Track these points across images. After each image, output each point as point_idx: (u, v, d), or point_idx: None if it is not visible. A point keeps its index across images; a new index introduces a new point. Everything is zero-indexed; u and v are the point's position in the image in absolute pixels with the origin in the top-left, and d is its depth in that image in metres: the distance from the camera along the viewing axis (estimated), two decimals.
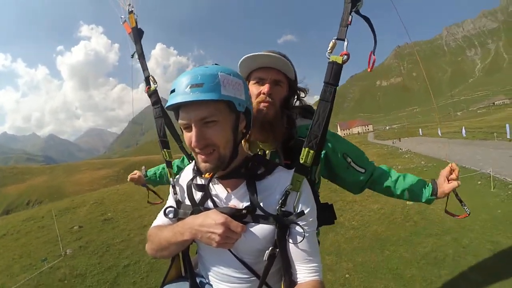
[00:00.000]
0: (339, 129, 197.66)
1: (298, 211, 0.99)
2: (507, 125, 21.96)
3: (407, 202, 8.66)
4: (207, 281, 1.16)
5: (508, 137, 21.94)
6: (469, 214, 1.39)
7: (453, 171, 1.34)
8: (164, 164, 1.85)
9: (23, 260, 8.91)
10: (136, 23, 1.51)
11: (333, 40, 1.07)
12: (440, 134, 33.21)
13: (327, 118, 1.08)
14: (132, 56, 1.53)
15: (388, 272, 4.87)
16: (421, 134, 47.86)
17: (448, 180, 1.34)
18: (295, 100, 1.53)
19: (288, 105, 1.38)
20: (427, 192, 1.42)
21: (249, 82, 1.36)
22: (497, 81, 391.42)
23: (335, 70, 1.06)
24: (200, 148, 0.92)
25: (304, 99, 1.54)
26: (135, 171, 2.10)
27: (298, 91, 1.49)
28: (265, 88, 1.26)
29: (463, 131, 30.90)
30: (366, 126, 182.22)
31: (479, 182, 9.92)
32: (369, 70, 1.16)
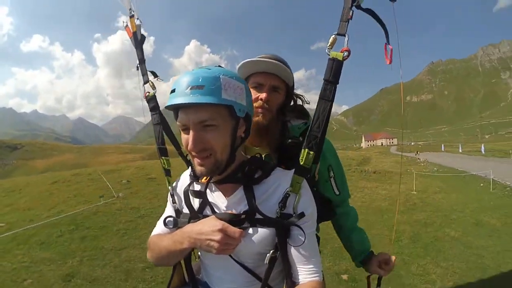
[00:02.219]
0: (363, 139, 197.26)
1: (298, 213, 0.98)
2: None
3: (412, 192, 9.92)
4: (210, 286, 1.16)
5: None
6: None
7: (390, 261, 1.33)
8: None
9: (78, 198, 10.75)
10: (138, 28, 1.48)
11: (333, 36, 1.04)
12: (460, 151, 33.44)
13: (327, 118, 1.05)
14: (138, 68, 1.52)
15: (383, 226, 6.23)
16: (443, 149, 48.03)
17: (380, 266, 1.35)
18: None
19: (284, 111, 1.35)
20: (360, 257, 1.42)
21: None
22: None
23: (335, 67, 1.03)
24: (196, 152, 0.91)
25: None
26: None
27: (295, 97, 1.45)
28: (263, 94, 1.24)
29: (483, 148, 31.33)
30: (391, 139, 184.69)
31: (481, 184, 11.03)
32: (388, 62, 1.12)
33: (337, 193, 1.41)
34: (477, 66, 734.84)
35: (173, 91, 0.90)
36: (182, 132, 0.94)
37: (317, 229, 1.43)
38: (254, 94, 1.25)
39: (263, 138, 1.28)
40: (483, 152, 30.70)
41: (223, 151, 0.93)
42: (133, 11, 1.49)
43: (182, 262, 1.21)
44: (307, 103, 1.50)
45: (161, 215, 1.20)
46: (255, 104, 1.22)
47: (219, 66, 1.00)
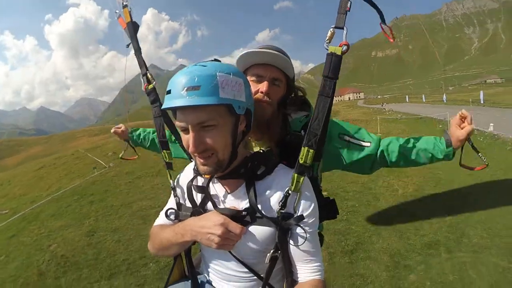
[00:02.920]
0: None
1: (299, 212, 0.97)
2: (481, 92, 24.59)
3: (377, 134, 11.00)
4: (209, 280, 1.15)
5: (482, 102, 24.74)
6: (487, 165, 1.22)
7: (464, 118, 1.15)
8: (152, 129, 1.89)
9: (70, 175, 11.06)
10: (131, 17, 1.42)
11: (331, 29, 0.98)
12: (424, 101, 35.69)
13: (327, 115, 1.01)
14: (128, 46, 1.45)
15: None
16: (407, 100, 50.72)
17: (461, 128, 1.16)
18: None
19: (285, 103, 1.32)
20: (441, 145, 1.21)
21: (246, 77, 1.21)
22: (492, 61, 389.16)
23: (334, 63, 0.98)
24: (198, 153, 0.89)
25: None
26: (120, 124, 2.06)
27: (296, 89, 1.40)
28: (263, 87, 1.20)
29: (444, 97, 33.80)
30: (358, 94, 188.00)
31: (440, 126, 12.59)
32: (392, 40, 1.11)
33: (368, 144, 1.31)
34: (441, 21, 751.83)
35: (168, 92, 0.88)
36: (182, 133, 0.93)
37: (321, 228, 1.41)
38: (253, 86, 1.22)
39: (264, 132, 1.24)
40: (445, 101, 33.07)
41: (225, 150, 0.91)
42: (127, 1, 1.42)
43: (183, 254, 1.21)
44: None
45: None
46: (255, 97, 1.18)
47: (215, 59, 0.97)
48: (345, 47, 0.98)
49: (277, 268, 1.02)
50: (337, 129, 1.35)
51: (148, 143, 1.98)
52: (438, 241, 3.63)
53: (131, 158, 2.13)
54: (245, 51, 1.23)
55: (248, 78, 1.23)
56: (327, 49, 1.00)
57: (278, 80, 1.24)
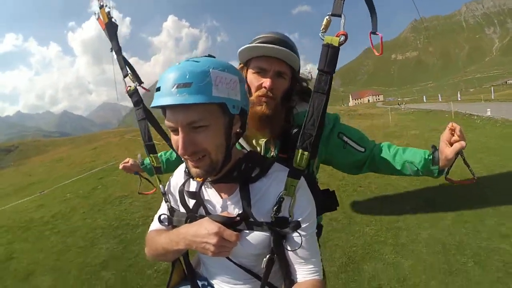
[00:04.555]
0: (350, 98, 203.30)
1: (294, 217, 0.93)
2: (491, 88, 25.56)
3: (389, 123, 12.58)
4: (209, 282, 1.14)
5: (493, 98, 26.12)
6: (475, 180, 1.12)
7: (454, 131, 1.07)
8: (163, 152, 1.79)
9: (127, 152, 13.07)
10: (109, 17, 1.35)
11: (327, 17, 0.90)
12: (440, 100, 36.59)
13: (323, 113, 0.93)
14: (111, 50, 1.37)
15: None
16: (425, 101, 51.52)
17: (451, 144, 1.07)
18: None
19: (290, 96, 1.23)
20: (428, 162, 1.17)
21: (247, 69, 1.22)
22: None
23: (331, 55, 0.90)
24: (188, 155, 0.83)
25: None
26: (127, 159, 1.93)
27: (300, 81, 1.31)
28: (267, 82, 1.13)
29: (458, 95, 34.96)
30: (377, 96, 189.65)
31: (446, 115, 14.15)
32: (380, 53, 1.01)
33: (362, 150, 1.30)
34: (461, 22, 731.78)
35: (158, 89, 0.81)
36: (171, 133, 0.86)
37: (320, 219, 1.40)
38: (256, 79, 1.16)
39: (266, 127, 1.18)
40: (459, 99, 34.00)
41: (217, 152, 0.86)
42: (103, 1, 1.39)
43: (181, 258, 1.17)
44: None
45: None
46: (258, 92, 1.14)
47: (209, 55, 0.90)
48: (342, 37, 0.89)
49: (276, 268, 0.99)
50: (338, 128, 1.32)
51: (165, 167, 1.73)
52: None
53: (149, 193, 2.03)
54: (248, 45, 1.17)
55: (250, 70, 1.19)
56: (323, 39, 0.91)
57: (283, 73, 1.18)
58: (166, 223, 1.07)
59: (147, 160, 1.83)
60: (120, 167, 1.89)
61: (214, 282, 1.12)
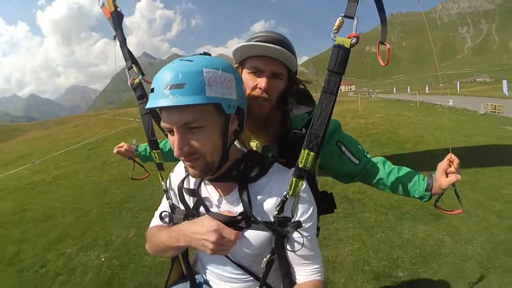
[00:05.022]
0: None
1: (297, 217, 0.93)
2: (458, 83, 27.94)
3: (358, 108, 13.74)
4: (207, 280, 1.15)
5: (458, 92, 28.15)
6: (463, 211, 1.18)
7: (452, 163, 1.11)
8: (159, 140, 1.67)
9: (109, 128, 13.42)
10: (115, 6, 1.29)
11: (340, 18, 0.89)
12: (409, 92, 39.15)
13: (330, 114, 0.93)
14: (114, 38, 1.32)
15: None
16: (394, 92, 54.80)
17: (447, 174, 1.11)
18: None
19: (286, 99, 1.20)
20: (421, 186, 1.19)
21: (243, 69, 1.18)
22: (484, 61, 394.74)
23: (341, 56, 0.89)
24: (184, 157, 0.83)
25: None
26: (122, 143, 1.91)
27: (297, 83, 1.27)
28: (262, 82, 1.09)
29: (427, 88, 37.63)
30: (349, 86, 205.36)
31: (412, 104, 15.74)
32: (385, 63, 0.99)
33: (357, 162, 1.29)
34: (436, 19, 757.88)
35: (152, 90, 0.81)
36: (168, 134, 0.86)
37: (317, 220, 1.36)
38: (251, 79, 1.13)
39: (261, 129, 1.17)
40: (427, 91, 36.57)
41: (213, 153, 0.85)
42: None
43: (180, 256, 1.18)
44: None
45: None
46: (253, 93, 1.11)
47: (204, 53, 0.90)
48: (354, 39, 0.88)
49: (274, 268, 0.98)
50: (338, 136, 1.30)
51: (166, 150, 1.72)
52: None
53: (142, 178, 2.04)
54: (243, 44, 1.13)
55: (246, 69, 1.15)
56: (334, 40, 0.90)
57: (279, 74, 1.14)
58: (167, 220, 1.07)
59: (141, 147, 1.88)
60: (115, 151, 1.88)
61: (212, 279, 1.13)
